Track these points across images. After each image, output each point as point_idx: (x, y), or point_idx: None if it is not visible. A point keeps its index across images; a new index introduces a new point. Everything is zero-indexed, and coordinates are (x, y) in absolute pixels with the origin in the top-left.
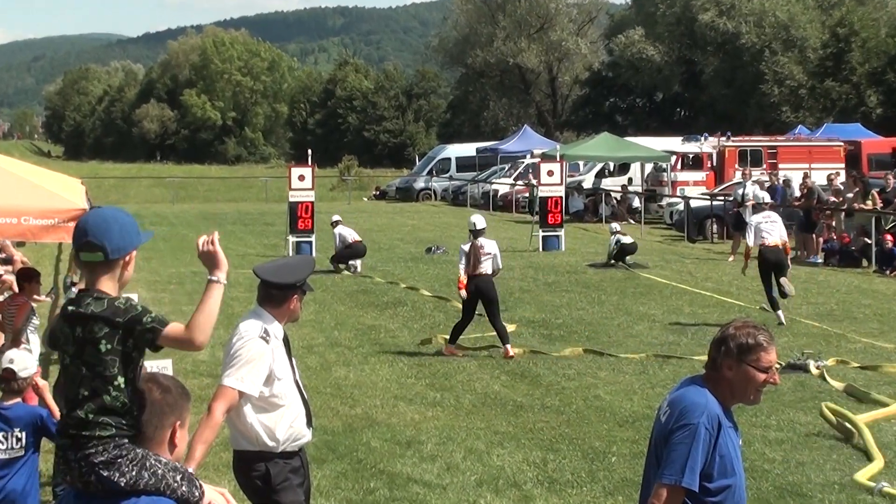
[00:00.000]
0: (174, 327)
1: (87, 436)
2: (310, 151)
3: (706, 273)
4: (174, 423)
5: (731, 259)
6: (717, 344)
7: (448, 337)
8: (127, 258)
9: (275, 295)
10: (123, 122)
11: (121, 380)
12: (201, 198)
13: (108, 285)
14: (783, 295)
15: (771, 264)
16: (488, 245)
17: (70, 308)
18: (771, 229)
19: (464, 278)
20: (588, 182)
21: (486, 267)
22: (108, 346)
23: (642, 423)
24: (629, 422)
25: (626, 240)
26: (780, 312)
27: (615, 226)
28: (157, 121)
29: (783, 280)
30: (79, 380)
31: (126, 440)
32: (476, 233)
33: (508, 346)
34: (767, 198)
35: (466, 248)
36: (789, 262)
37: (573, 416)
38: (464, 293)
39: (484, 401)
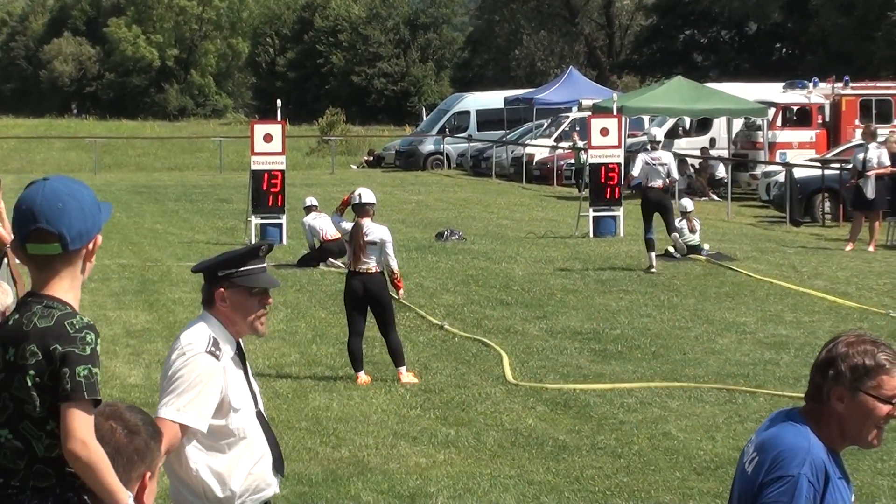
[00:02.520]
0: (86, 419)
1: (18, 487)
2: (279, 102)
3: (815, 267)
4: (143, 475)
5: (849, 248)
6: (823, 367)
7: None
8: (91, 245)
9: (203, 289)
10: (27, 62)
11: (53, 425)
12: (133, 165)
13: (65, 285)
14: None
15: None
16: (375, 230)
17: (10, 318)
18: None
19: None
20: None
21: (371, 262)
22: (37, 380)
23: (727, 469)
24: (710, 468)
25: (690, 238)
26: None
27: (687, 204)
28: (73, 61)
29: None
30: (3, 418)
31: (72, 495)
32: (360, 208)
33: (403, 368)
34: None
35: (348, 226)
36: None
37: (635, 460)
38: (401, 293)
39: (514, 440)
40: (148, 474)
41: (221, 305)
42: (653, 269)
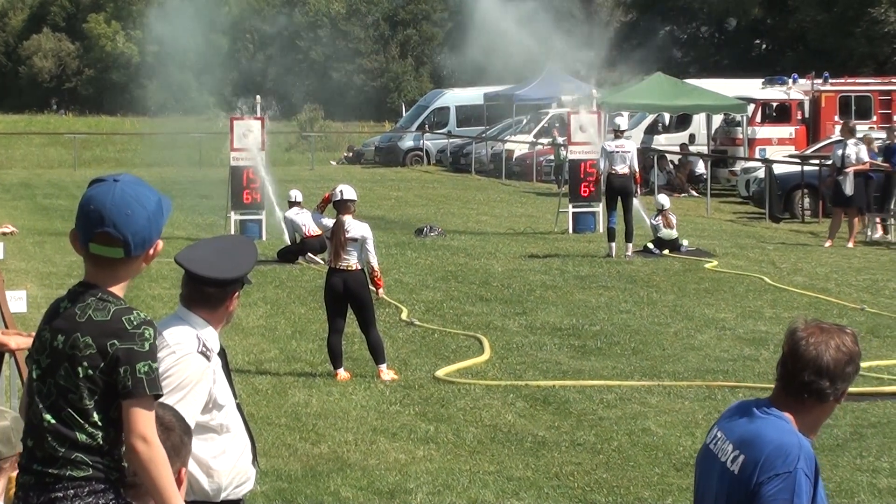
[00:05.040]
0: (147, 415)
1: (55, 475)
2: (258, 98)
3: (795, 263)
4: (179, 470)
5: (828, 244)
6: (841, 366)
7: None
8: (151, 251)
9: (211, 294)
10: (6, 58)
11: (97, 416)
12: (113, 161)
13: (119, 284)
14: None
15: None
16: (355, 227)
17: (61, 305)
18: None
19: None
20: (635, 140)
21: (352, 259)
22: (89, 372)
23: None
24: (689, 465)
25: (666, 232)
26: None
27: (663, 200)
28: (53, 57)
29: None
30: (47, 403)
31: (105, 485)
32: (341, 205)
33: (384, 365)
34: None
35: (329, 223)
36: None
37: (614, 456)
38: (381, 291)
39: (493, 436)
40: (183, 470)
41: (231, 307)
42: (611, 256)
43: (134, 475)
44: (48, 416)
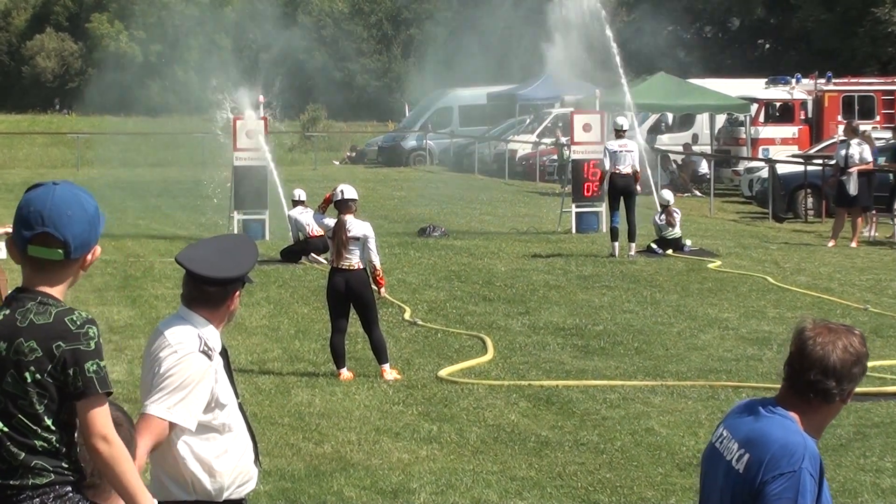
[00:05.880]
0: (104, 414)
1: (17, 486)
2: (261, 98)
3: (798, 263)
4: None
5: (831, 244)
6: (848, 367)
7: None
8: (90, 256)
9: (213, 294)
10: (10, 58)
11: (49, 420)
12: (116, 161)
13: (57, 288)
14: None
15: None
16: (357, 226)
17: (0, 313)
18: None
19: (355, 265)
20: (639, 140)
21: (354, 258)
22: (37, 377)
23: None
24: (693, 464)
25: (669, 231)
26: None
27: (667, 196)
28: (56, 57)
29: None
30: None
31: (69, 488)
32: (342, 205)
33: (386, 365)
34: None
35: (331, 223)
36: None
37: (617, 456)
38: (383, 291)
39: (497, 435)
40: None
41: (233, 306)
42: (614, 256)
43: (92, 475)
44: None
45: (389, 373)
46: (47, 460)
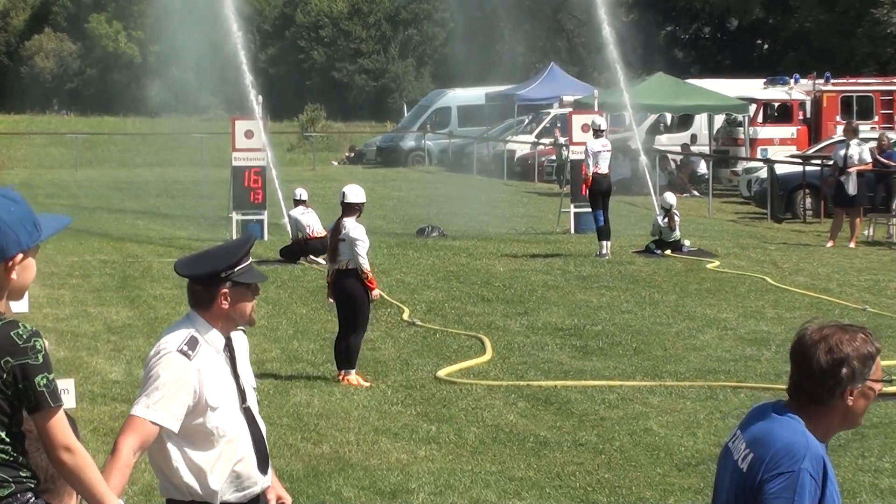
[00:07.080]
0: (62, 424)
1: None
2: (259, 98)
3: (796, 263)
4: None
5: (829, 245)
6: (833, 370)
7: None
8: (10, 262)
9: (198, 292)
10: (8, 58)
11: (2, 433)
12: (114, 161)
13: None
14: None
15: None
16: (349, 227)
17: None
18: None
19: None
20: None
21: (343, 258)
22: None
23: (708, 466)
24: (691, 465)
25: (669, 233)
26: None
27: (670, 199)
28: (55, 57)
29: None
30: None
31: (30, 494)
32: (347, 207)
33: (353, 371)
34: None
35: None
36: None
37: (616, 456)
38: (374, 293)
39: (495, 436)
40: None
41: (223, 305)
42: (605, 255)
43: (47, 481)
44: None
45: (353, 376)
46: (7, 471)
